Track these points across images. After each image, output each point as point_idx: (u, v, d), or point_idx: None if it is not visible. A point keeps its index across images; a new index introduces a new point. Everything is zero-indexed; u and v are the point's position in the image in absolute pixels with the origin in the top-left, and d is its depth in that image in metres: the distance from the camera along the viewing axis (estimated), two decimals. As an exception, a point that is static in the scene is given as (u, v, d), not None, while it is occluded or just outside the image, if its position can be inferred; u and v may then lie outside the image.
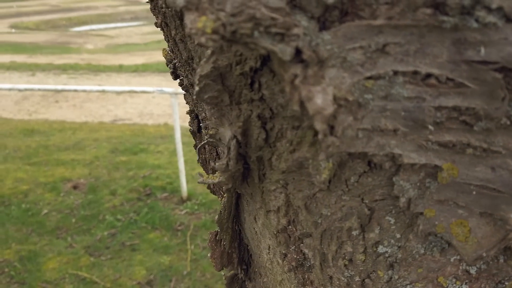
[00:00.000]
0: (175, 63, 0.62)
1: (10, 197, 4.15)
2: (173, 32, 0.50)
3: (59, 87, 3.58)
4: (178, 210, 3.93)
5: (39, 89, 3.57)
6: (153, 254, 3.27)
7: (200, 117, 0.63)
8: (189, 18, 0.28)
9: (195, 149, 0.76)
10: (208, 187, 0.79)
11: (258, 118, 0.41)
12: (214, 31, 0.28)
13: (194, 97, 0.43)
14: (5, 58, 21.21)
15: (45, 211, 3.92)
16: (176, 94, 3.72)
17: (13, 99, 10.76)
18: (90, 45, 31.28)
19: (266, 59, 0.37)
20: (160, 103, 10.81)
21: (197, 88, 0.41)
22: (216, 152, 0.61)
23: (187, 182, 4.23)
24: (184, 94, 0.65)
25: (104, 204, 4.04)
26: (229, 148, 0.44)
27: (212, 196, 4.19)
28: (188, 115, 0.72)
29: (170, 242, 3.43)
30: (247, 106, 0.41)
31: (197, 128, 0.68)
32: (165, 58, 0.70)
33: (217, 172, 0.49)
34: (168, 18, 0.48)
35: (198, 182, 0.51)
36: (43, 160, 5.28)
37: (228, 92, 0.41)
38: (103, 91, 3.64)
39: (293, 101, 0.31)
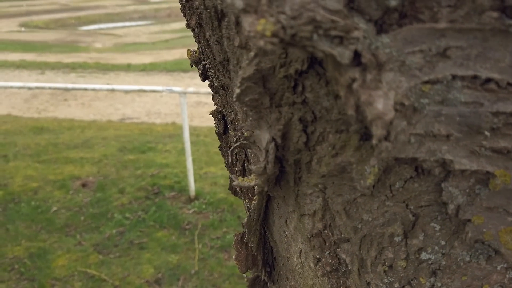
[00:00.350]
0: (205, 64, 0.61)
1: (20, 194, 4.17)
2: (208, 34, 0.49)
3: (69, 85, 3.60)
4: (186, 209, 3.94)
5: (49, 88, 3.59)
6: (161, 252, 3.28)
7: (228, 119, 0.63)
8: (247, 21, 0.28)
9: (220, 150, 0.75)
10: (231, 189, 0.78)
11: (300, 121, 0.41)
12: (274, 34, 0.27)
13: (234, 99, 0.42)
14: (15, 57, 21.41)
15: (54, 208, 3.94)
16: (184, 93, 3.73)
17: (23, 97, 10.85)
18: (98, 44, 31.49)
19: (313, 61, 0.36)
20: (167, 102, 10.86)
21: (238, 91, 0.40)
22: (245, 154, 0.61)
23: (195, 181, 4.23)
24: (213, 96, 0.65)
25: (112, 203, 4.05)
26: (267, 151, 0.44)
27: (220, 196, 4.19)
28: (212, 115, 0.71)
29: (178, 241, 3.44)
30: (288, 109, 0.41)
31: (223, 129, 0.68)
32: (189, 58, 0.70)
33: (252, 175, 0.48)
34: (204, 20, 0.48)
35: (233, 185, 0.51)
36: (52, 158, 5.31)
37: (269, 94, 0.40)
38: (113, 90, 3.65)
39: (348, 105, 0.30)
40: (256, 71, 0.38)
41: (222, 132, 0.68)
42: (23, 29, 36.08)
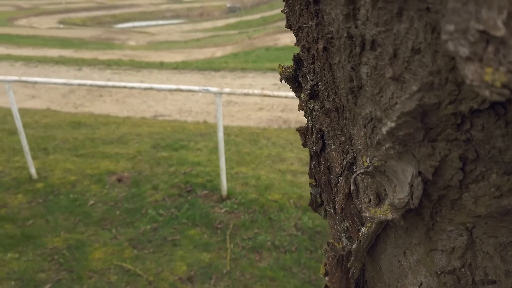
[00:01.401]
0: (314, 84, 0.59)
1: (59, 187, 4.33)
2: (337, 59, 0.48)
3: (109, 83, 3.71)
4: (218, 208, 3.97)
5: (90, 85, 3.71)
6: (193, 250, 3.32)
7: (332, 141, 0.60)
8: (470, 69, 0.27)
9: (312, 168, 0.71)
10: (311, 205, 0.74)
11: (459, 158, 0.39)
12: (505, 85, 0.26)
13: (384, 133, 0.41)
14: (54, 52, 22.22)
15: (91, 202, 4.07)
16: (220, 93, 3.76)
17: (61, 92, 11.26)
18: (132, 41, 32.24)
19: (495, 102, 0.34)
20: (198, 100, 10.99)
21: (392, 125, 0.39)
22: (355, 184, 0.58)
23: (226, 181, 4.26)
24: (315, 115, 0.62)
25: (146, 199, 4.14)
26: (411, 186, 0.42)
27: (251, 196, 4.20)
28: (299, 132, 0.69)
29: (210, 240, 3.47)
30: (445, 145, 0.39)
31: (320, 148, 0.66)
32: (280, 74, 0.68)
33: (385, 206, 0.47)
34: (336, 45, 0.46)
35: (368, 216, 0.50)
36: (89, 152, 5.48)
37: (425, 129, 0.39)
38: (151, 89, 3.72)
39: None
40: (418, 106, 0.37)
41: (319, 151, 0.66)
42: (61, 26, 37.50)
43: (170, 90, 3.98)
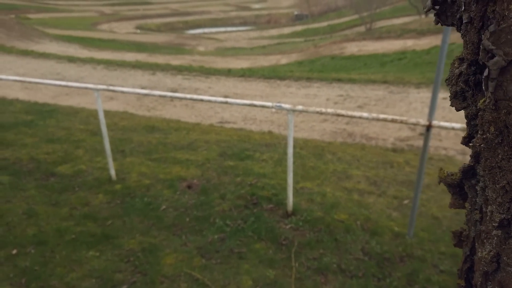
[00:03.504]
0: (502, 218, 0.56)
1: (135, 189, 4.62)
2: None
3: (188, 96, 3.89)
4: (283, 223, 3.99)
5: (171, 97, 3.92)
6: (258, 265, 3.36)
7: (509, 267, 0.57)
8: None
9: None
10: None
11: None
12: None
13: None
14: (130, 56, 23.80)
15: (164, 206, 4.29)
16: (293, 111, 3.78)
17: (136, 95, 12.00)
18: (201, 47, 33.56)
19: None
20: (263, 109, 11.14)
21: None
22: None
23: (292, 195, 4.26)
24: (497, 242, 0.59)
25: (214, 207, 4.27)
26: None
27: (316, 214, 4.17)
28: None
29: (275, 256, 3.49)
30: None
31: (493, 270, 0.62)
32: (441, 178, 0.64)
33: None
34: None
35: None
36: (162, 157, 5.79)
37: None
38: (226, 103, 3.85)
39: None
40: None
41: (491, 271, 0.61)
42: (138, 31, 40.06)
43: (244, 105, 4.08)
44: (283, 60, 26.05)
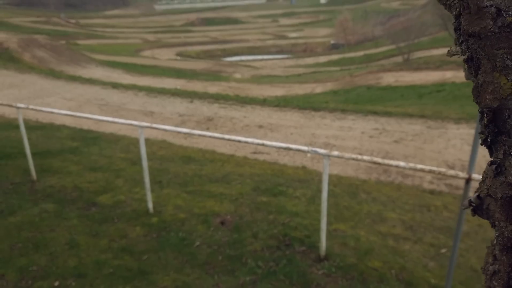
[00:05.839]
0: None
1: (170, 223, 4.75)
2: None
3: (226, 136, 4.03)
4: (315, 268, 3.96)
5: (210, 136, 4.07)
6: (289, 312, 3.34)
7: None
8: None
9: None
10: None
11: None
12: None
13: None
14: (170, 82, 24.65)
15: (197, 243, 4.37)
16: (328, 156, 3.81)
17: (174, 122, 12.40)
18: (238, 74, 34.30)
19: None
20: (297, 140, 11.18)
21: None
22: None
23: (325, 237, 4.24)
24: None
25: (246, 247, 4.31)
26: None
27: (350, 260, 4.11)
28: None
29: (306, 303, 3.46)
30: None
31: None
32: None
33: None
34: None
35: None
36: (197, 189, 5.93)
37: None
38: (263, 145, 3.94)
39: None
40: None
41: None
42: (178, 57, 41.66)
43: (279, 148, 4.16)
44: (318, 89, 26.14)
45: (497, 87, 0.53)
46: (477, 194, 0.61)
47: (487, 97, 0.54)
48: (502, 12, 0.49)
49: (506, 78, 0.52)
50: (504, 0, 0.48)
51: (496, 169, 0.57)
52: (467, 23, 0.53)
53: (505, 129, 0.55)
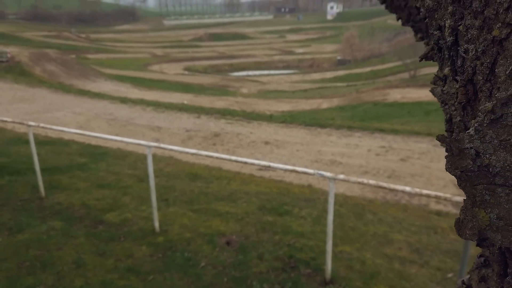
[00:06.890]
0: None
1: (176, 243, 4.77)
2: None
3: (233, 157, 4.08)
4: (321, 292, 3.94)
5: (218, 158, 4.12)
6: (294, 337, 3.32)
7: None
8: None
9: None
10: None
11: None
12: None
13: None
14: (178, 96, 24.84)
15: (203, 264, 4.38)
16: (334, 179, 3.84)
17: (181, 137, 12.49)
18: (245, 89, 34.50)
19: None
20: (303, 157, 11.20)
21: None
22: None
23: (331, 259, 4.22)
24: None
25: (252, 268, 4.31)
26: None
27: (355, 285, 4.09)
28: None
29: (311, 328, 3.44)
30: None
31: None
32: None
33: None
34: None
35: None
36: (203, 208, 5.95)
37: None
38: (269, 167, 3.98)
39: None
40: None
41: None
42: (186, 72, 42.11)
43: (285, 171, 4.19)
44: (324, 104, 26.20)
45: (475, 224, 0.59)
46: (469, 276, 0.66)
47: (467, 232, 0.61)
48: (480, 154, 0.56)
49: (485, 211, 0.57)
50: (482, 144, 0.54)
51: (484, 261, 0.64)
52: (449, 165, 0.59)
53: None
